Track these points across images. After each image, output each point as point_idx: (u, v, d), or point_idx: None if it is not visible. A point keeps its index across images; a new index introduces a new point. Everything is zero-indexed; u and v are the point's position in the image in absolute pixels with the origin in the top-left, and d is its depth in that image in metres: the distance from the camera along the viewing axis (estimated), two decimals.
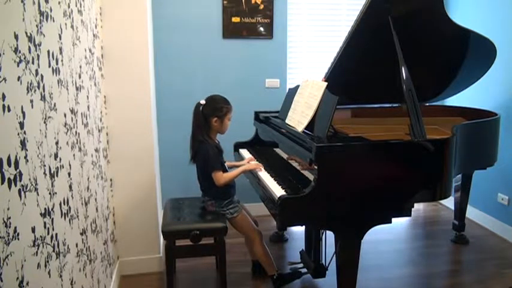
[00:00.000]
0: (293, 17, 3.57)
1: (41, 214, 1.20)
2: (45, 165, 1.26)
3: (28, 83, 1.14)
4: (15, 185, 1.02)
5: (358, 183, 1.88)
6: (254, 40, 3.46)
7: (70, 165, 1.58)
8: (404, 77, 2.10)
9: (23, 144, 1.08)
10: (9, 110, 0.99)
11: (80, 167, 1.76)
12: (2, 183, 0.94)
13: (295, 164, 2.28)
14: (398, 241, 3.24)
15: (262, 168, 2.36)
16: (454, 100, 3.26)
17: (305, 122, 2.18)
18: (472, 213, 3.49)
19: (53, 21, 1.41)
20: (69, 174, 1.56)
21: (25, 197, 1.08)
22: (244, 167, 2.39)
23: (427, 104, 3.14)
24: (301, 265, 2.66)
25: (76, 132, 1.70)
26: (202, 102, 2.34)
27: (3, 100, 0.96)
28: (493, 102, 3.25)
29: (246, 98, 3.44)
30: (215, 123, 2.33)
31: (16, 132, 1.04)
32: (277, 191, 1.97)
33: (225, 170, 2.36)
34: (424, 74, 2.45)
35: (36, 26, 1.23)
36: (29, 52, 1.15)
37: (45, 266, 1.22)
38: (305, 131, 2.16)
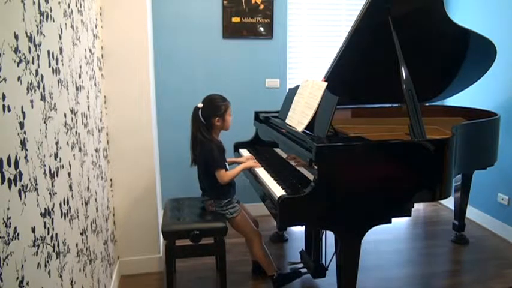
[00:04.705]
0: (293, 17, 3.57)
1: (41, 214, 1.20)
2: (45, 165, 1.26)
3: (28, 83, 1.14)
4: (15, 185, 1.02)
5: (358, 183, 1.88)
6: (254, 40, 3.46)
7: (70, 165, 1.58)
8: (404, 77, 2.10)
9: (23, 144, 1.08)
10: (9, 110, 0.99)
11: (80, 167, 1.76)
12: (2, 183, 0.94)
13: (294, 164, 2.28)
14: (398, 241, 3.24)
15: (261, 167, 2.39)
16: (454, 100, 3.26)
17: (305, 122, 2.18)
18: (472, 213, 3.49)
19: (53, 21, 1.41)
20: (69, 174, 1.56)
21: (25, 197, 1.08)
22: (244, 165, 2.41)
23: (427, 104, 3.14)
24: (301, 265, 2.66)
25: (76, 132, 1.70)
26: (200, 105, 2.33)
27: (3, 100, 0.96)
28: (493, 102, 3.25)
29: (246, 98, 3.44)
30: (218, 123, 2.34)
31: (16, 132, 1.04)
32: (277, 191, 1.98)
33: (226, 169, 2.36)
34: (424, 74, 2.45)
35: (36, 26, 1.23)
36: (29, 52, 1.15)
37: (45, 266, 1.22)
38: (305, 131, 2.16)
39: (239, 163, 2.53)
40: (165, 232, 2.21)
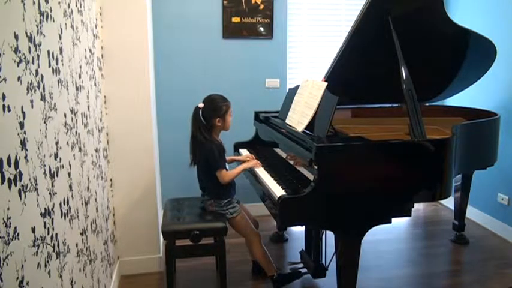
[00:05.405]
0: (293, 17, 3.57)
1: (41, 214, 1.20)
2: (45, 165, 1.26)
3: (28, 83, 1.14)
4: (15, 185, 1.02)
5: (358, 183, 1.88)
6: (254, 40, 3.46)
7: (70, 165, 1.58)
8: (404, 77, 2.10)
9: (23, 144, 1.08)
10: (9, 110, 0.99)
11: (80, 167, 1.76)
12: (2, 183, 0.94)
13: (294, 164, 2.28)
14: (398, 241, 3.24)
15: (261, 166, 2.39)
16: (454, 100, 3.26)
17: (305, 122, 2.18)
18: (472, 213, 3.49)
19: (53, 21, 1.41)
20: (69, 174, 1.56)
21: (25, 197, 1.08)
22: (245, 165, 2.41)
23: (427, 104, 3.14)
24: (301, 265, 2.66)
25: (76, 132, 1.70)
26: (201, 105, 2.33)
27: (3, 100, 0.96)
28: (493, 102, 3.25)
29: (246, 98, 3.44)
30: (218, 123, 2.33)
31: (16, 132, 1.04)
32: (277, 191, 1.98)
33: (226, 169, 2.36)
34: (424, 74, 2.45)
35: (36, 26, 1.23)
36: (29, 52, 1.15)
37: (45, 266, 1.22)
38: (305, 131, 2.16)
39: (238, 161, 2.53)
40: (165, 232, 2.21)
